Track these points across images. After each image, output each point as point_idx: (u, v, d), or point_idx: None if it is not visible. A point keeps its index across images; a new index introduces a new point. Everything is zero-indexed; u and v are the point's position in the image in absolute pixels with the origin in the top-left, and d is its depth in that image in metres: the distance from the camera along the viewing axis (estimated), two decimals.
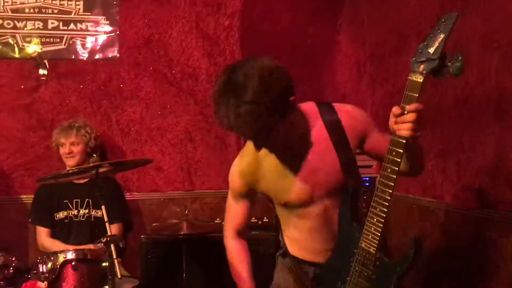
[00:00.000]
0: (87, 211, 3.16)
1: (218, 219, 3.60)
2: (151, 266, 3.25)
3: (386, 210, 1.55)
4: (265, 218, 3.57)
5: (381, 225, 1.56)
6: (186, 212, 3.31)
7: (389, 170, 1.53)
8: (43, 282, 2.32)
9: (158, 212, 3.78)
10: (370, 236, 1.60)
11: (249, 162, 1.92)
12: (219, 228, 3.46)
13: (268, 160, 1.84)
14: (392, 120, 1.52)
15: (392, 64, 3.34)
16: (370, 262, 1.61)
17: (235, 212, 2.07)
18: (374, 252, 1.60)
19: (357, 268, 1.66)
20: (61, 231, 3.14)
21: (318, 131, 1.79)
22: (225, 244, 2.13)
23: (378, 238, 1.58)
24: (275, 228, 3.47)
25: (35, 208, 3.21)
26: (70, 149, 3.21)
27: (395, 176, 1.52)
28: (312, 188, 1.82)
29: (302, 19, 3.99)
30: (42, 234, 3.15)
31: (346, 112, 1.83)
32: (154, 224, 3.66)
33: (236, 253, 2.09)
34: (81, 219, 3.16)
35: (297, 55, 3.96)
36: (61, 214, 3.17)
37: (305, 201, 1.85)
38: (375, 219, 1.57)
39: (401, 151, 1.51)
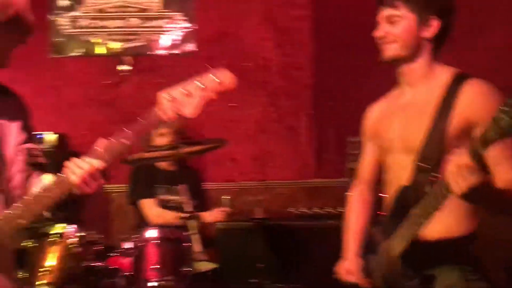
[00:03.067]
0: (173, 196, 3.28)
1: (291, 208, 3.62)
2: (227, 252, 3.32)
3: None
4: (339, 207, 3.52)
5: None
6: (260, 201, 3.36)
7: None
8: (127, 258, 2.45)
9: (232, 201, 3.85)
10: None
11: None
12: (293, 216, 3.52)
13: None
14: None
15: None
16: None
17: (361, 162, 1.93)
18: None
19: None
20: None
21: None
22: None
23: None
24: None
25: (136, 186, 3.33)
26: (172, 138, 3.28)
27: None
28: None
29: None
30: (152, 205, 3.25)
31: (473, 92, 1.56)
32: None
33: (349, 209, 1.91)
34: (171, 205, 3.29)
35: (373, 42, 3.88)
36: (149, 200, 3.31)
37: None
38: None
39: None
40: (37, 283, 2.28)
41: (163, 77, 3.92)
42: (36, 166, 1.68)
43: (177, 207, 3.25)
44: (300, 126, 3.92)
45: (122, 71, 3.90)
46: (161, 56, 3.91)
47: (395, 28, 1.66)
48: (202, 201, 3.43)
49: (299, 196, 3.81)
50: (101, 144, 1.49)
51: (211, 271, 2.96)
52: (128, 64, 3.89)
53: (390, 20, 1.66)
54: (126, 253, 2.47)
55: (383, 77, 3.94)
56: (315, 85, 3.92)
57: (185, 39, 3.90)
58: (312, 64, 3.91)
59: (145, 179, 3.33)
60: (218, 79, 1.52)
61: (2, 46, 1.54)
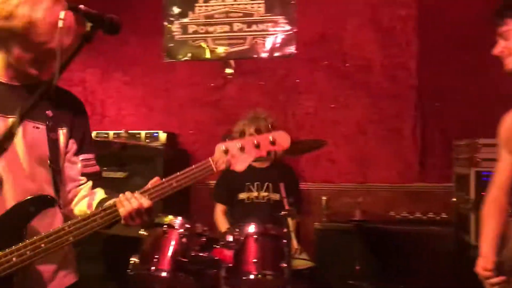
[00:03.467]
0: (266, 194, 3.38)
1: (392, 212, 3.53)
2: (324, 251, 3.34)
3: None
4: (443, 213, 3.38)
5: None
6: (359, 203, 3.32)
7: None
8: (230, 250, 2.57)
9: (330, 202, 3.86)
10: None
11: None
12: (393, 220, 3.44)
13: None
14: None
15: None
16: None
17: (497, 168, 2.01)
18: None
19: None
20: (242, 211, 3.42)
21: None
22: None
23: None
24: (456, 224, 3.28)
25: (218, 188, 3.55)
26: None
27: None
28: None
29: (489, 0, 3.68)
30: (218, 210, 3.49)
31: None
32: (324, 213, 3.75)
33: (486, 214, 2.00)
34: (261, 201, 3.40)
35: (482, 39, 3.65)
36: (242, 195, 3.45)
37: None
38: None
39: None
40: (151, 268, 2.48)
41: (264, 79, 4.04)
42: (90, 176, 1.71)
43: (269, 204, 3.34)
44: (403, 128, 3.81)
45: (226, 74, 4.09)
46: (263, 59, 4.04)
47: (509, 42, 1.83)
48: (298, 200, 3.47)
49: (400, 200, 3.70)
50: (153, 183, 1.54)
51: (308, 270, 3.00)
52: (232, 67, 4.07)
53: (504, 36, 1.85)
54: (228, 245, 2.59)
55: (491, 77, 3.72)
56: (420, 86, 3.78)
57: (286, 42, 3.98)
58: (417, 65, 3.78)
59: (227, 182, 3.47)
60: (275, 141, 1.56)
61: (23, 53, 1.54)
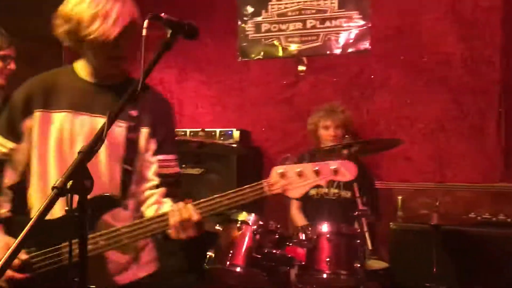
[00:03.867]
0: (337, 191, 3.35)
1: (472, 213, 3.37)
2: (399, 252, 3.26)
3: None
4: (501, 214, 3.17)
5: None
6: (437, 204, 3.19)
7: None
8: (303, 248, 2.59)
9: (406, 201, 3.75)
10: None
11: None
12: (473, 222, 3.27)
13: None
14: None
15: None
16: None
17: None
18: None
19: None
20: (312, 207, 3.40)
21: None
22: None
23: None
24: None
25: None
26: (335, 132, 3.38)
27: None
28: None
29: None
30: (293, 206, 3.48)
31: None
32: (400, 213, 3.65)
33: None
34: (331, 197, 3.36)
35: None
36: (312, 191, 3.40)
37: None
38: None
39: None
40: (226, 263, 2.56)
41: (338, 75, 4.00)
42: (166, 177, 1.69)
43: (339, 201, 3.29)
44: (486, 125, 3.61)
45: (299, 71, 4.10)
46: (336, 55, 4.00)
47: None
48: (372, 198, 3.40)
49: (482, 201, 3.52)
50: (206, 201, 1.52)
51: (383, 270, 2.94)
52: (304, 64, 4.07)
53: None
54: (301, 243, 2.61)
55: None
56: (505, 81, 3.56)
57: (360, 37, 3.91)
58: (501, 58, 3.55)
59: None
60: (338, 171, 1.50)
61: (107, 54, 1.63)
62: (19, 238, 1.11)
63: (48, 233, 1.53)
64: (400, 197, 3.66)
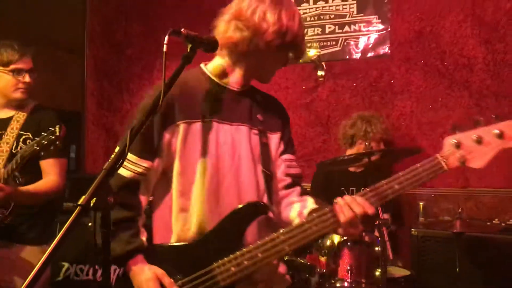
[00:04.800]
0: None
1: (496, 219, 3.31)
2: (421, 260, 3.23)
3: None
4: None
5: None
6: (460, 210, 3.15)
7: None
8: (323, 256, 2.59)
9: (428, 207, 3.70)
10: None
11: None
12: (498, 229, 3.21)
13: None
14: None
15: None
16: None
17: None
18: None
19: None
20: None
21: None
22: None
23: None
24: None
25: (313, 192, 3.53)
26: (377, 146, 3.31)
27: None
28: None
29: None
30: None
31: None
32: (421, 219, 3.61)
33: None
34: None
35: None
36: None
37: None
38: None
39: None
40: None
41: (357, 80, 3.98)
42: (294, 177, 1.67)
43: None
44: None
45: (318, 76, 4.09)
46: (355, 60, 3.98)
47: None
48: (394, 206, 3.38)
49: (507, 207, 3.46)
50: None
51: (404, 278, 2.91)
52: (324, 69, 4.06)
53: None
54: (321, 251, 2.61)
55: None
56: None
57: (380, 41, 3.88)
58: None
59: (320, 186, 3.43)
60: None
61: (272, 65, 1.67)
62: (47, 252, 1.08)
63: (187, 258, 1.44)
64: (421, 203, 3.62)
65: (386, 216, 3.25)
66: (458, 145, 1.30)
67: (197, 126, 1.55)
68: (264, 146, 1.62)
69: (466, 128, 1.33)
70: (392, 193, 1.38)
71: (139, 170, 1.54)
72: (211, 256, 1.44)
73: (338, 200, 1.41)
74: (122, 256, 1.48)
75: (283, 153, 1.68)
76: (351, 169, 3.32)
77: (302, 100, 4.16)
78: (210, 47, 1.54)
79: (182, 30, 1.49)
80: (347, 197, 1.39)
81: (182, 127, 1.54)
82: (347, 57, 4.00)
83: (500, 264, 3.03)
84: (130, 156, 1.52)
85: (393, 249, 3.24)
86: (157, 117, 1.51)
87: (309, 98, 4.14)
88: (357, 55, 3.97)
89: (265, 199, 1.58)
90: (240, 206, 1.50)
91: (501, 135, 1.27)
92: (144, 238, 1.53)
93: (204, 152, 1.54)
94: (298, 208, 1.63)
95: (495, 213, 3.42)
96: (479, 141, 1.29)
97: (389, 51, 3.86)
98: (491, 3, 3.58)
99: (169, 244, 1.53)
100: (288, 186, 1.68)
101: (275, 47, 1.56)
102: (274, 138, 1.66)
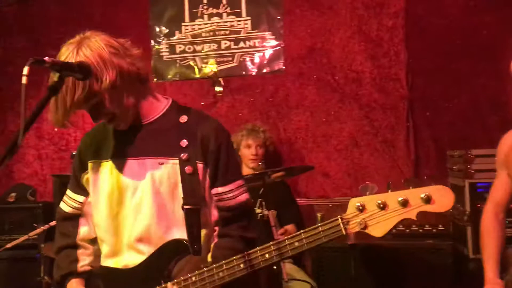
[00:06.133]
0: (260, 210, 3.34)
1: None
2: (321, 269, 3.30)
3: None
4: (440, 225, 3.32)
5: None
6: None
7: None
8: None
9: (326, 217, 3.79)
10: None
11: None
12: (388, 236, 3.37)
13: None
14: None
15: None
16: None
17: (494, 185, 2.10)
18: None
19: None
20: None
21: None
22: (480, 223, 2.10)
23: None
24: (453, 237, 3.22)
25: None
26: (256, 151, 3.43)
27: None
28: None
29: (475, 9, 3.64)
30: None
31: None
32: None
33: (486, 230, 2.05)
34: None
35: (470, 48, 3.63)
36: None
37: None
38: None
39: None
40: None
41: (254, 95, 4.01)
42: (224, 211, 1.57)
43: (262, 221, 3.29)
44: (397, 139, 3.76)
45: (216, 92, 4.06)
46: (251, 76, 4.01)
47: None
48: (292, 215, 3.45)
49: None
50: (275, 244, 1.43)
51: None
52: (221, 85, 4.04)
53: None
54: None
55: (483, 85, 3.69)
56: (411, 96, 3.74)
57: (274, 57, 3.95)
58: (406, 75, 3.74)
59: None
60: (430, 198, 1.22)
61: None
62: None
63: (128, 283, 1.54)
64: (319, 214, 3.72)
65: (289, 227, 3.30)
66: (361, 208, 1.26)
67: (103, 164, 1.63)
68: (188, 176, 1.52)
69: (418, 185, 1.28)
70: (291, 250, 1.38)
71: (75, 204, 1.71)
72: (137, 285, 1.54)
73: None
74: (59, 281, 1.67)
75: (212, 186, 1.58)
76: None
77: None
78: (83, 74, 1.42)
79: (46, 58, 1.35)
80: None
81: (91, 166, 1.65)
82: (244, 72, 4.02)
83: (392, 268, 3.18)
84: (68, 191, 1.74)
85: (297, 262, 3.28)
86: (76, 158, 1.70)
87: (209, 114, 4.08)
88: (253, 71, 4.00)
89: (184, 236, 1.52)
90: (165, 242, 1.53)
91: (405, 203, 1.22)
92: (80, 264, 1.66)
93: (108, 188, 1.61)
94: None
95: None
96: (382, 207, 1.23)
97: (284, 67, 3.94)
98: (375, 21, 3.80)
99: (101, 265, 1.66)
100: (216, 223, 1.60)
101: None
102: (199, 167, 1.55)
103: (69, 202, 1.71)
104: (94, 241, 1.69)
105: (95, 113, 1.53)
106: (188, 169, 1.51)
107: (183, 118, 1.63)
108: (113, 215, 1.58)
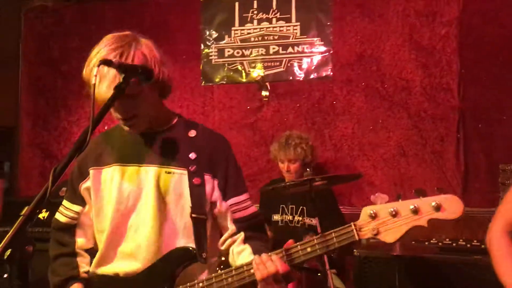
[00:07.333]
0: (301, 218, 3.34)
1: (434, 239, 3.41)
2: (363, 280, 3.26)
3: None
4: (460, 240, 3.24)
5: None
6: None
7: None
8: None
9: None
10: None
11: None
12: (434, 249, 3.31)
13: None
14: None
15: None
16: None
17: (506, 205, 1.91)
18: None
19: None
20: (276, 233, 3.37)
21: None
22: (488, 237, 1.88)
23: None
24: None
25: (260, 208, 3.48)
26: (288, 167, 3.38)
27: None
28: None
29: None
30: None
31: None
32: (364, 241, 3.66)
33: (499, 246, 1.82)
34: (295, 224, 3.35)
35: None
36: (276, 217, 3.41)
37: None
38: None
39: None
40: None
41: (300, 101, 4.01)
42: (241, 222, 1.60)
43: (304, 228, 3.28)
44: (446, 150, 3.68)
45: (262, 96, 4.09)
46: (298, 81, 4.02)
47: None
48: (335, 223, 3.40)
49: (442, 226, 3.57)
50: (287, 250, 1.42)
51: None
52: (268, 90, 4.07)
53: None
54: None
55: None
56: (462, 107, 3.65)
57: (322, 63, 3.94)
58: (458, 85, 3.65)
59: (265, 203, 3.45)
60: (440, 207, 1.27)
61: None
62: None
63: None
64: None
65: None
66: (374, 216, 1.32)
67: (104, 171, 1.62)
68: (195, 188, 1.55)
69: (428, 193, 1.33)
70: (303, 256, 1.40)
71: (71, 214, 1.68)
72: None
73: (255, 258, 1.43)
74: (59, 285, 1.62)
75: (225, 198, 1.60)
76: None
77: (246, 120, 4.14)
78: (145, 77, 1.48)
79: (114, 60, 1.42)
80: (263, 256, 1.41)
81: (92, 173, 1.63)
82: (291, 77, 4.02)
83: (438, 282, 3.12)
84: (64, 201, 1.72)
85: (339, 273, 3.26)
86: (76, 168, 1.67)
87: (254, 118, 4.12)
88: (300, 76, 4.00)
89: (191, 243, 1.54)
90: (172, 249, 1.53)
91: (416, 211, 1.28)
92: (81, 270, 1.64)
93: (111, 194, 1.60)
94: (237, 259, 1.59)
95: (432, 232, 3.51)
96: (394, 214, 1.29)
97: (331, 73, 3.93)
98: (427, 29, 3.73)
99: (98, 274, 1.63)
100: (234, 234, 1.61)
101: None
102: (208, 180, 1.58)
103: (64, 212, 1.69)
104: (89, 251, 1.68)
105: (123, 107, 1.51)
106: (196, 180, 1.55)
107: (192, 133, 1.65)
108: (116, 220, 1.58)
